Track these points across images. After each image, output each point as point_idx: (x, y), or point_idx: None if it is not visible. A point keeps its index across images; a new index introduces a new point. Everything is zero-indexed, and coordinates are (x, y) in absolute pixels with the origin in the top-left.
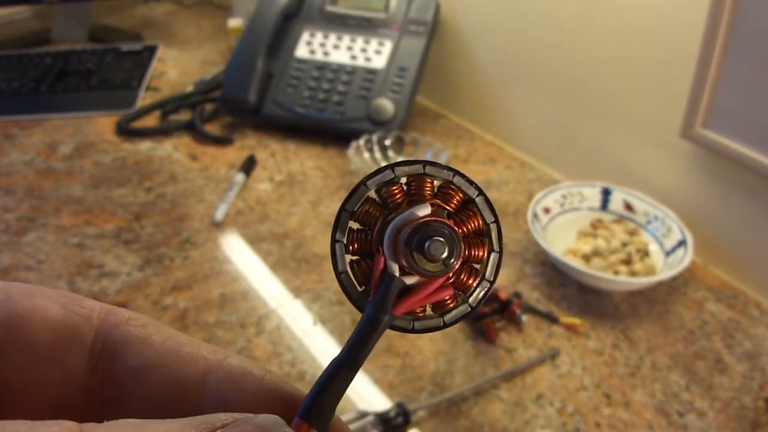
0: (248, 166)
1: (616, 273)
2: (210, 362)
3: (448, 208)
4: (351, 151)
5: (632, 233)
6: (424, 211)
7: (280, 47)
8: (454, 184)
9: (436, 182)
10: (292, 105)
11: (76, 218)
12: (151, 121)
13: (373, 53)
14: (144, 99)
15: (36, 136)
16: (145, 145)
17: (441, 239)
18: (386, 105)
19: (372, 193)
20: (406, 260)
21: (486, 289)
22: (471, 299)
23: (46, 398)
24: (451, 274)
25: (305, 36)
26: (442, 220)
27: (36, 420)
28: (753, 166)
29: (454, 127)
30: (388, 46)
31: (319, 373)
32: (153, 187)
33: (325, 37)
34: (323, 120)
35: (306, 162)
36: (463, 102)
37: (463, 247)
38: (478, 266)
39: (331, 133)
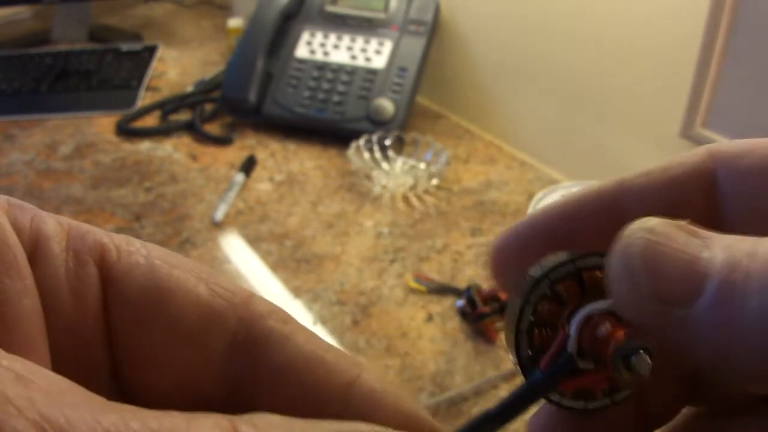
0: (248, 166)
1: None
2: (351, 374)
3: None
4: (351, 151)
5: None
6: (607, 304)
7: (280, 47)
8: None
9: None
10: (292, 105)
11: (76, 218)
12: (151, 121)
13: (373, 53)
14: (144, 99)
15: (36, 136)
16: (145, 145)
17: (649, 361)
18: (386, 105)
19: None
20: (605, 357)
21: (630, 391)
22: (616, 397)
23: (176, 379)
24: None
25: (305, 36)
26: (650, 338)
27: (167, 406)
28: None
29: (453, 127)
30: (388, 46)
31: None
32: (153, 187)
33: (325, 37)
34: (323, 120)
35: (306, 162)
36: (463, 102)
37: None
38: None
39: (331, 133)
